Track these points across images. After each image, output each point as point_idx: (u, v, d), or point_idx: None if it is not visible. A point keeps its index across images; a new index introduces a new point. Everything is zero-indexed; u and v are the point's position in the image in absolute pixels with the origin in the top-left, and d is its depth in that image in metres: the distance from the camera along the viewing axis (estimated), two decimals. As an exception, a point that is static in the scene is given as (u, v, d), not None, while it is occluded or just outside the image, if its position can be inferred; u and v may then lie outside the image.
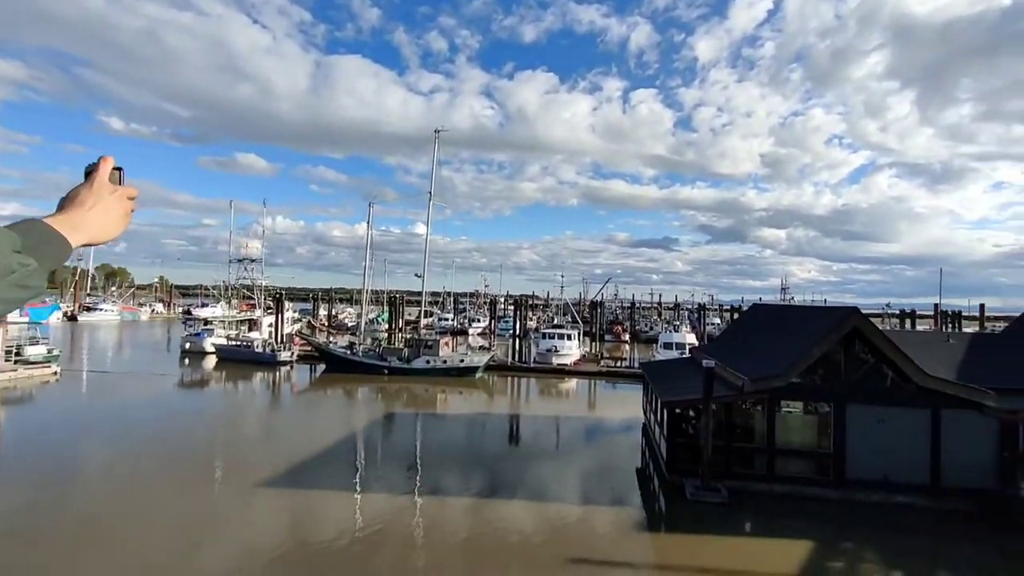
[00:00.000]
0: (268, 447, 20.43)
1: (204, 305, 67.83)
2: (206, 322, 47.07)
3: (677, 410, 17.07)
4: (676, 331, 45.46)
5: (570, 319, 56.00)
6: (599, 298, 71.03)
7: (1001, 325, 40.40)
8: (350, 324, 64.14)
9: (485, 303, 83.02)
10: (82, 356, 42.75)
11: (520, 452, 21.21)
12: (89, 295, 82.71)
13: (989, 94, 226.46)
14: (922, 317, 59.26)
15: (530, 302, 72.82)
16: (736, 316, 61.19)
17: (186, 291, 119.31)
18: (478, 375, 35.65)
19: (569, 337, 42.30)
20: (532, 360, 39.98)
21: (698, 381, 15.84)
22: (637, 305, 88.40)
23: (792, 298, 67.53)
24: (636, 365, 37.65)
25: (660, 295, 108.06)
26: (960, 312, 57.52)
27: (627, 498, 15.95)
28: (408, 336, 41.63)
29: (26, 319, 38.35)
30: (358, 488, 15.88)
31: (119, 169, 1.23)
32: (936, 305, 55.71)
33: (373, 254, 46.06)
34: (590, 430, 24.19)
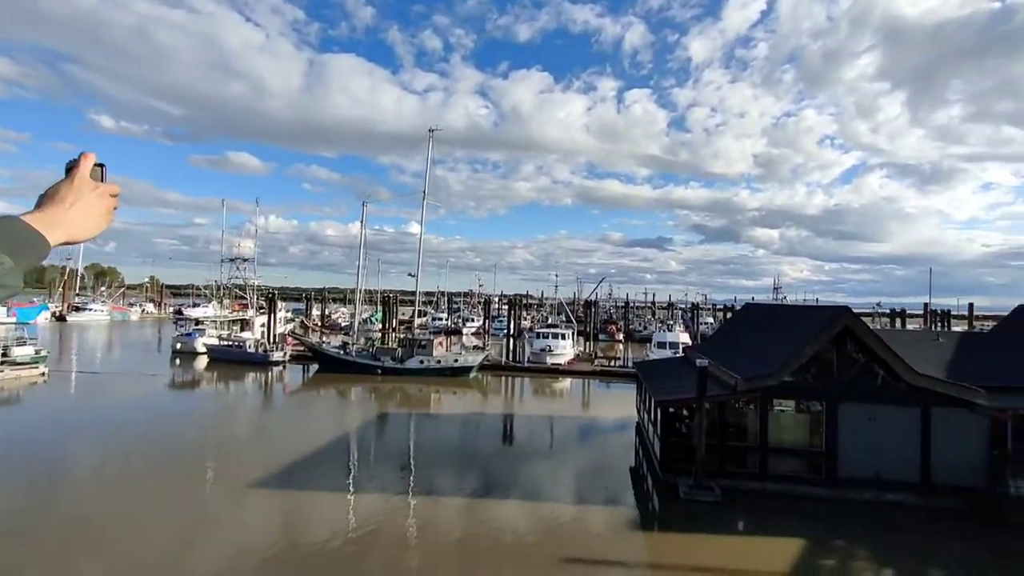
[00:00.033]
0: (260, 447, 20.28)
1: (196, 305, 67.17)
2: (197, 322, 46.64)
3: (671, 409, 17.12)
4: (670, 330, 45.64)
5: (564, 319, 56.06)
6: (593, 297, 71.19)
7: (989, 324, 40.92)
8: (343, 324, 63.85)
9: (479, 303, 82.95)
10: (71, 357, 42.24)
11: (514, 452, 21.19)
12: (78, 295, 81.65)
13: (978, 95, 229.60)
14: (912, 316, 59.93)
15: (524, 302, 72.88)
16: (729, 315, 61.51)
17: (177, 291, 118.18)
18: (472, 375, 35.59)
19: (563, 337, 42.35)
20: (526, 360, 39.99)
21: (691, 380, 15.90)
22: (631, 304, 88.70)
23: (784, 297, 67.96)
24: (630, 364, 37.78)
25: (654, 295, 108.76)
26: (949, 311, 58.20)
27: (621, 497, 15.98)
28: (402, 336, 41.48)
29: (13, 319, 37.86)
30: (351, 489, 15.79)
31: (101, 165, 1.20)
32: (926, 304, 56.32)
33: (367, 253, 45.93)
34: (584, 429, 24.22)
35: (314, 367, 37.54)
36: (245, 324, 47.63)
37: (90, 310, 74.06)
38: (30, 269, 1.01)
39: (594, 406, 30.69)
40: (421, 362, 34.85)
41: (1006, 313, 22.95)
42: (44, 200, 1.11)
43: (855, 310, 16.69)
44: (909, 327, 51.72)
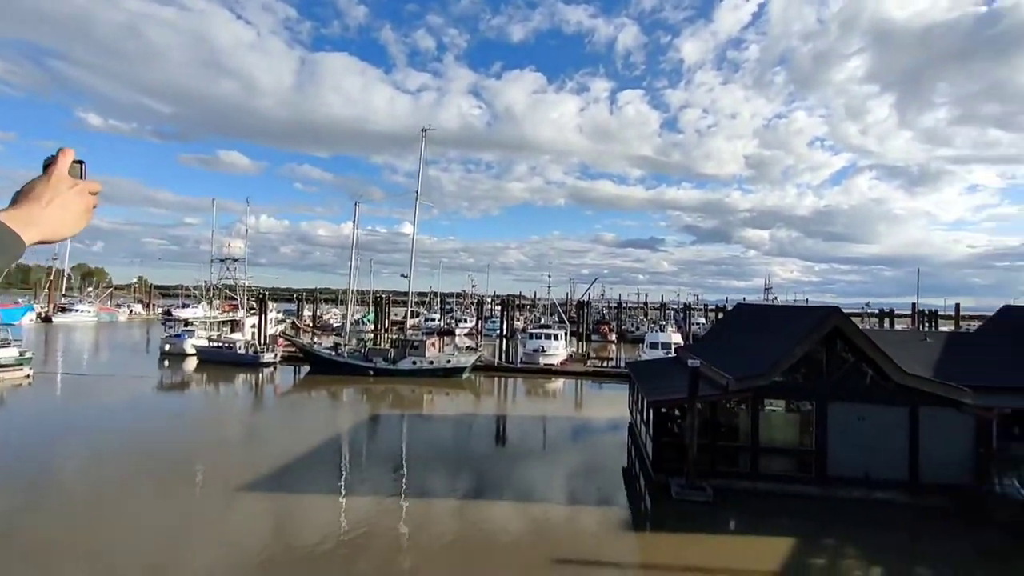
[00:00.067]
0: (250, 450, 20.08)
1: (185, 306, 66.49)
2: (187, 323, 46.14)
3: (663, 409, 17.19)
4: (662, 331, 45.81)
5: (557, 319, 56.14)
6: (586, 298, 71.38)
7: (975, 324, 41.54)
8: (335, 325, 63.46)
9: (472, 303, 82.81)
10: (56, 358, 41.61)
11: (507, 453, 21.16)
12: (64, 296, 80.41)
13: (964, 98, 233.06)
14: (900, 316, 60.66)
15: (517, 302, 72.82)
16: (721, 316, 61.95)
17: (166, 291, 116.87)
18: (465, 376, 35.51)
19: (556, 337, 42.38)
20: (519, 360, 39.97)
21: (683, 380, 15.97)
22: (623, 305, 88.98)
23: (775, 298, 68.57)
24: (622, 365, 37.89)
25: (646, 295, 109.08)
26: (936, 311, 59.01)
27: (613, 498, 16.01)
28: (394, 337, 41.32)
29: (-2, 320, 37.20)
30: (343, 491, 15.68)
31: (80, 162, 1.16)
32: (914, 305, 57.08)
33: (359, 254, 45.69)
34: (577, 430, 24.25)
35: (305, 368, 37.26)
36: (235, 325, 47.19)
37: (76, 311, 73.00)
38: (4, 269, 0.98)
39: (587, 406, 30.74)
40: (414, 363, 34.72)
41: (991, 313, 23.31)
42: (19, 197, 1.07)
43: (844, 310, 16.86)
44: (897, 327, 52.36)
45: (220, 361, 38.22)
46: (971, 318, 61.82)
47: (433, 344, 37.43)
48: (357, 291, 50.36)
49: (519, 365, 39.31)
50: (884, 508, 14.55)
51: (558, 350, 40.82)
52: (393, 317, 55.29)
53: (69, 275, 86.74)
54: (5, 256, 0.97)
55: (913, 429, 15.16)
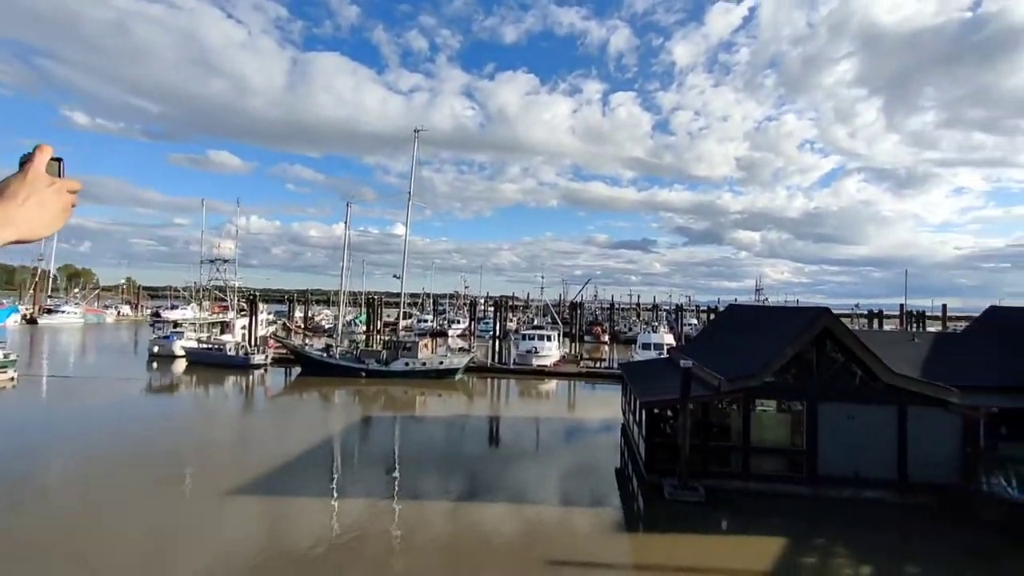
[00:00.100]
0: (240, 453, 19.87)
1: (174, 307, 65.73)
2: (176, 324, 45.60)
3: (655, 410, 17.24)
4: (654, 332, 46.01)
5: (550, 320, 56.21)
6: (579, 299, 71.48)
7: (962, 325, 42.15)
8: (327, 326, 63.04)
9: (465, 304, 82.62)
10: (42, 360, 40.95)
11: (500, 454, 21.12)
12: (50, 297, 79.28)
13: (950, 102, 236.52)
14: (889, 317, 61.34)
15: (510, 303, 72.82)
16: (713, 317, 62.32)
17: (155, 293, 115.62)
18: (458, 377, 35.42)
19: (549, 338, 42.41)
20: (512, 361, 39.93)
21: (676, 381, 16.03)
22: (616, 306, 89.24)
23: (766, 299, 69.11)
24: (615, 366, 37.98)
25: (639, 296, 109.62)
26: (924, 312, 59.75)
27: (606, 499, 16.03)
28: (387, 338, 41.12)
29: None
30: (335, 493, 15.57)
31: (58, 160, 1.11)
32: (902, 305, 57.76)
33: (351, 255, 45.40)
34: (570, 431, 24.26)
35: (297, 370, 36.97)
36: (225, 327, 46.69)
37: (63, 312, 71.94)
38: None
39: (580, 407, 30.78)
40: (406, 364, 34.57)
41: (978, 314, 23.65)
42: None
43: (834, 311, 16.99)
44: (886, 328, 52.97)
45: (210, 363, 37.81)
46: (958, 319, 62.68)
47: (426, 345, 37.30)
48: (349, 292, 50.07)
49: (512, 366, 39.27)
50: (873, 507, 14.69)
51: (551, 351, 40.84)
52: (385, 318, 55.01)
53: (55, 276, 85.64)
54: None
55: (902, 429, 15.32)
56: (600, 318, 78.98)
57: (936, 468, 15.07)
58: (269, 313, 61.30)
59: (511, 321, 61.27)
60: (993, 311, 22.15)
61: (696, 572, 11.62)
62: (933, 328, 49.88)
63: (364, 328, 52.49)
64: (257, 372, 36.76)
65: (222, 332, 45.85)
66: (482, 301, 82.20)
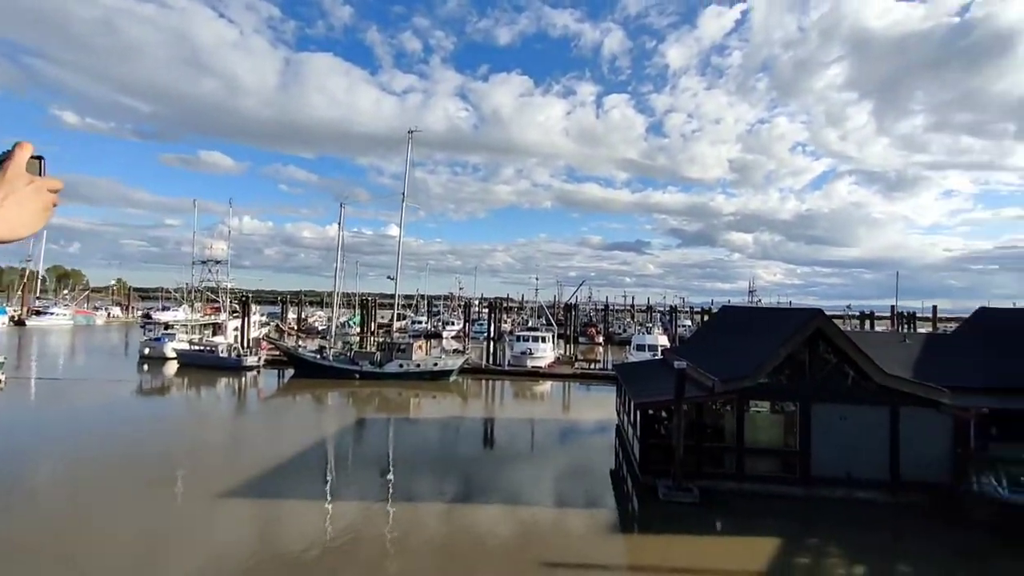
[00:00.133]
0: (233, 455, 19.70)
1: (165, 309, 65.17)
2: (167, 326, 45.18)
3: (650, 411, 17.27)
4: (648, 333, 46.14)
5: (544, 321, 56.25)
6: (573, 300, 71.68)
7: (952, 326, 42.62)
8: (320, 328, 62.72)
9: (459, 306, 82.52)
10: (30, 363, 40.42)
11: (495, 455, 21.08)
12: (39, 298, 78.34)
13: (939, 106, 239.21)
14: (880, 318, 61.91)
15: (504, 305, 72.80)
16: (706, 318, 62.62)
17: (146, 294, 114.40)
18: (452, 378, 35.34)
19: (543, 340, 42.42)
20: (506, 363, 39.91)
21: (670, 382, 16.07)
22: (610, 307, 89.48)
23: (759, 300, 69.75)
24: (610, 367, 38.04)
25: (633, 297, 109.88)
26: (915, 313, 60.46)
27: (601, 500, 16.03)
28: (380, 339, 40.97)
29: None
30: (329, 496, 15.47)
31: (39, 158, 1.08)
32: (893, 307, 58.40)
33: (344, 256, 45.19)
34: (564, 432, 24.26)
35: (290, 372, 36.74)
36: (217, 328, 46.33)
37: (52, 314, 71.14)
38: None
39: (574, 409, 30.79)
40: (400, 366, 34.45)
41: (967, 315, 23.91)
42: None
43: (827, 313, 17.11)
44: (877, 329, 53.44)
45: (202, 365, 37.50)
46: (948, 320, 63.32)
47: (420, 347, 37.21)
48: (343, 294, 49.85)
49: (506, 368, 39.24)
50: (866, 507, 14.79)
51: (545, 352, 40.85)
52: (379, 320, 54.82)
53: (43, 277, 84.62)
54: None
55: (893, 429, 15.44)
56: (594, 319, 79.18)
57: (927, 468, 15.20)
58: (262, 315, 60.83)
59: (505, 322, 61.25)
60: (983, 312, 22.40)
61: (690, 573, 11.63)
62: (924, 329, 50.38)
63: (358, 330, 52.30)
64: (250, 374, 36.48)
65: (214, 334, 45.48)
66: (476, 302, 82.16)
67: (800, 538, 13.21)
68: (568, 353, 47.23)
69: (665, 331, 52.71)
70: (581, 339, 61.29)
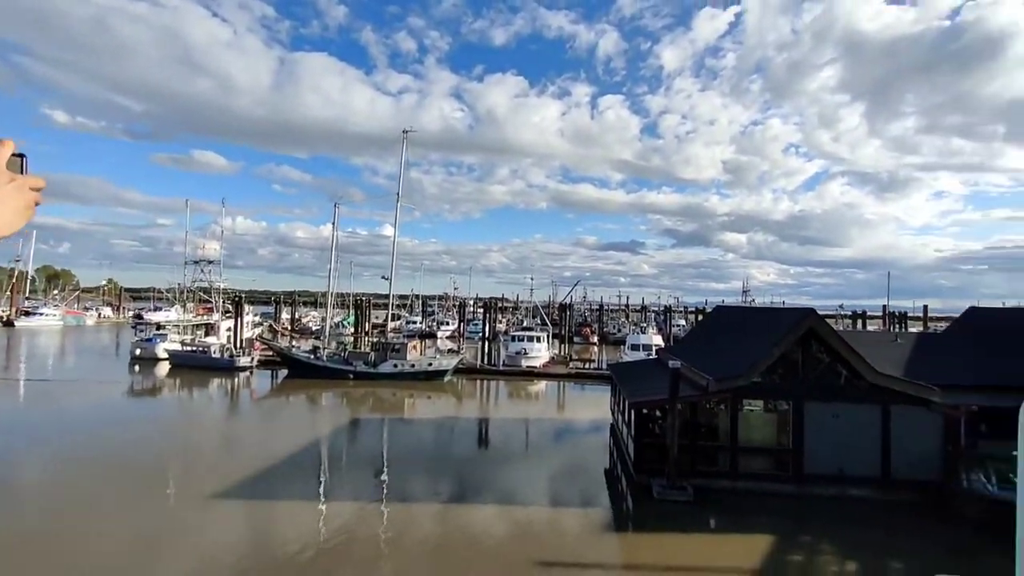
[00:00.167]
0: (225, 456, 19.55)
1: (157, 309, 64.62)
2: (159, 327, 44.82)
3: (644, 410, 17.31)
4: (643, 333, 46.29)
5: (539, 321, 56.26)
6: (568, 300, 71.75)
7: (943, 325, 43.05)
8: (314, 328, 62.40)
9: (454, 306, 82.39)
10: (19, 364, 39.93)
11: (489, 455, 21.06)
12: (28, 299, 77.49)
13: (930, 109, 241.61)
14: (872, 318, 62.50)
15: (499, 305, 72.80)
16: (700, 318, 62.86)
17: (137, 294, 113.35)
18: (447, 378, 35.27)
19: (538, 339, 42.45)
20: (501, 363, 39.92)
21: (664, 382, 16.12)
22: (605, 307, 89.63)
23: (753, 300, 69.96)
24: (604, 367, 38.12)
25: (627, 297, 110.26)
26: (906, 313, 61.00)
27: (596, 499, 16.05)
28: (375, 340, 40.83)
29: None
30: (323, 497, 15.38)
31: (21, 156, 1.06)
32: (884, 306, 58.90)
33: (339, 256, 45.06)
34: (559, 432, 24.27)
35: (283, 372, 36.53)
36: (210, 329, 46.00)
37: (41, 315, 70.34)
38: None
39: (569, 408, 30.81)
40: (395, 366, 34.34)
41: (957, 315, 24.17)
42: None
43: (819, 312, 17.23)
44: (869, 328, 53.89)
45: (194, 366, 37.21)
46: (938, 319, 63.97)
47: (414, 347, 37.10)
48: (337, 294, 49.61)
49: (501, 367, 39.24)
50: (858, 505, 14.90)
51: (540, 352, 40.88)
52: (374, 320, 54.65)
53: (33, 277, 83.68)
54: None
55: (885, 427, 15.58)
56: (589, 319, 79.26)
57: (919, 466, 15.34)
58: (255, 315, 60.48)
59: (500, 322, 61.29)
60: (972, 312, 22.64)
61: (685, 571, 11.67)
62: (915, 328, 50.90)
63: (352, 330, 52.08)
64: (242, 375, 36.24)
65: (207, 334, 45.15)
66: (471, 302, 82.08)
67: (793, 535, 13.29)
68: (563, 353, 47.28)
69: (659, 331, 52.86)
70: (576, 339, 61.38)
